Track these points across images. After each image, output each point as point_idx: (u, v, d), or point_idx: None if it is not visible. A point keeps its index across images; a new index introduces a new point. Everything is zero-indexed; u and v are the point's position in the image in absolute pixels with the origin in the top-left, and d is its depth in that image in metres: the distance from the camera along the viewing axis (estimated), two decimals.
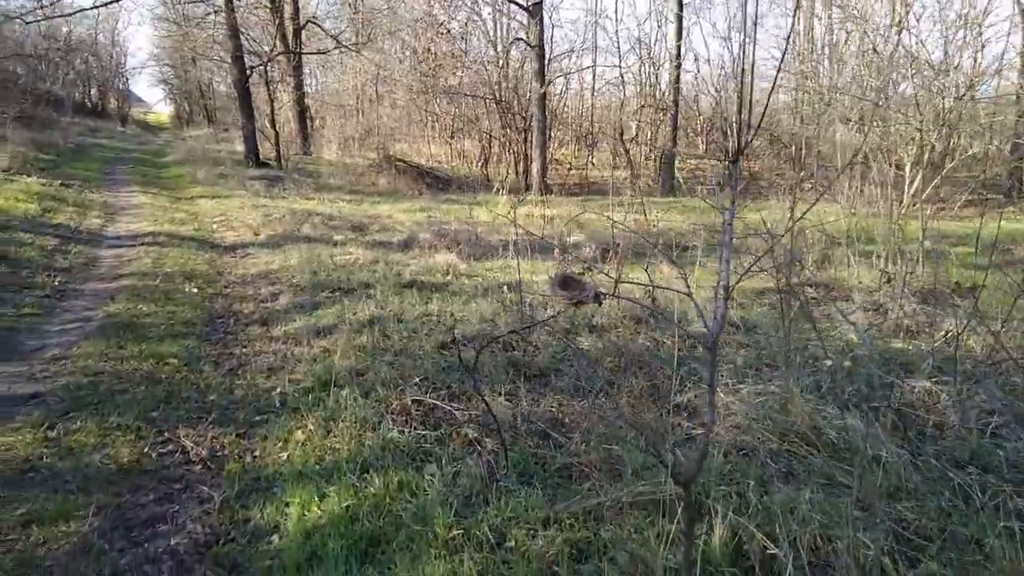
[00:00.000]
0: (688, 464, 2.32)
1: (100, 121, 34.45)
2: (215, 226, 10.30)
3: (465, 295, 6.27)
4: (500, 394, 3.92)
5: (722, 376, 4.25)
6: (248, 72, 18.43)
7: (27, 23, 16.81)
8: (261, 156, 18.61)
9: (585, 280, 2.04)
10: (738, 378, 4.18)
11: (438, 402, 3.75)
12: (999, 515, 2.87)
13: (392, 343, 4.81)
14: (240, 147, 19.48)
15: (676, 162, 18.71)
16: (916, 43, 12.27)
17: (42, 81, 29.73)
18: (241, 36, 18.90)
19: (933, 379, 4.36)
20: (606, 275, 2.63)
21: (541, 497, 2.87)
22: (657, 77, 22.16)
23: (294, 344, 4.85)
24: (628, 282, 2.61)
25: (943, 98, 13.04)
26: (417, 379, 4.04)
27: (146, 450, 3.33)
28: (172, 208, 11.72)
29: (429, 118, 23.04)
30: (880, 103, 10.32)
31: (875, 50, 11.63)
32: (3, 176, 11.73)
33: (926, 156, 12.27)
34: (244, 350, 4.78)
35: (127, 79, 46.86)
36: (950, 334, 4.94)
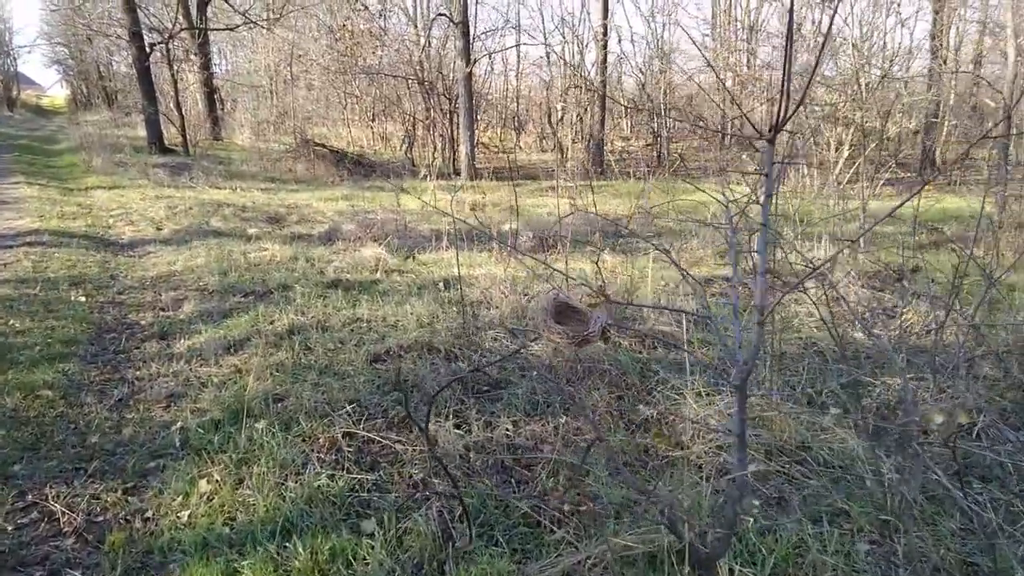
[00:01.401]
0: (714, 543, 1.84)
1: None
2: (111, 221, 9.24)
3: (398, 294, 5.66)
4: (446, 417, 3.36)
5: (692, 383, 3.83)
6: (148, 50, 16.93)
7: None
8: (166, 142, 17.20)
9: (586, 309, 1.52)
10: (712, 385, 3.76)
11: (373, 434, 3.17)
12: (1017, 540, 2.54)
13: (316, 358, 4.16)
14: (142, 132, 17.95)
15: (605, 145, 18.43)
16: (841, 23, 12.29)
17: None
18: (139, 10, 17.35)
19: (910, 376, 4.08)
20: (600, 295, 2.10)
21: (508, 558, 2.35)
22: (583, 57, 21.80)
23: (199, 363, 4.14)
24: (626, 303, 2.11)
25: (864, 78, 13.16)
26: (348, 405, 3.43)
27: (0, 522, 2.61)
28: (62, 201, 10.49)
29: (348, 100, 21.95)
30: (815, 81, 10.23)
31: (798, 29, 11.56)
32: None
33: (849, 136, 12.36)
34: (138, 373, 4.03)
35: (15, 59, 43.15)
36: (929, 326, 4.69)
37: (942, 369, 4.15)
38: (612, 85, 20.11)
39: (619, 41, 24.36)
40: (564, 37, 21.91)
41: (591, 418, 2.82)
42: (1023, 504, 2.72)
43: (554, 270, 2.12)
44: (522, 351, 3.82)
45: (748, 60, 20.07)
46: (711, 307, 5.60)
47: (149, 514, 2.69)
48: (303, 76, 21.94)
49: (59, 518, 2.64)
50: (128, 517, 2.67)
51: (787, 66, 1.92)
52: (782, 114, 1.93)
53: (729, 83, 16.79)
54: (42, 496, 2.76)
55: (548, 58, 20.47)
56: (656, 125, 18.74)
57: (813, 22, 14.25)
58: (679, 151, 17.61)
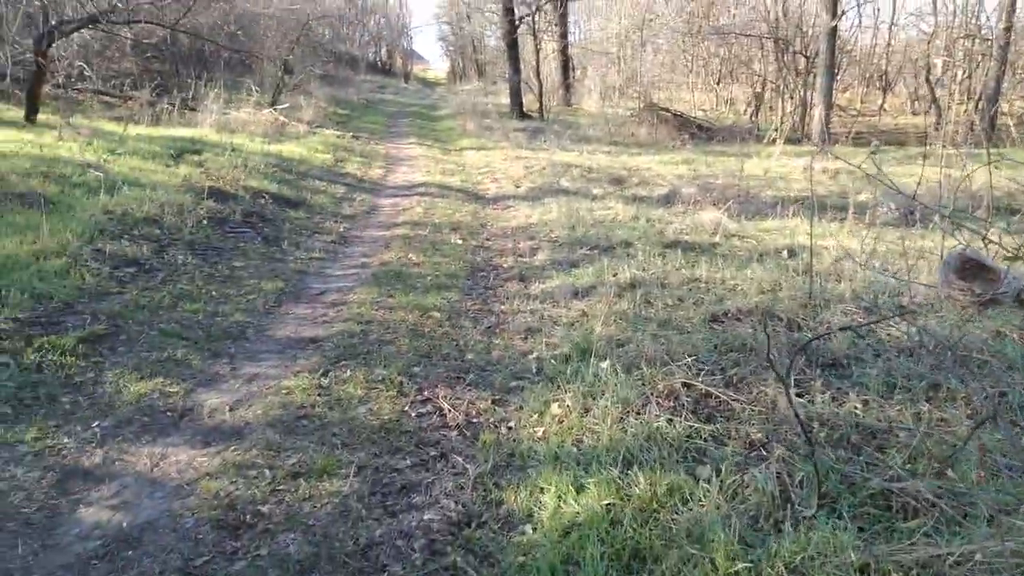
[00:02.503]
0: None
1: (387, 78, 38.07)
2: (479, 177, 10.57)
3: (737, 259, 5.56)
4: (789, 387, 3.26)
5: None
6: (516, 23, 18.71)
7: None
8: (524, 108, 18.94)
9: (999, 268, 1.37)
10: None
11: (712, 389, 3.22)
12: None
13: (655, 312, 4.34)
14: (505, 100, 20.02)
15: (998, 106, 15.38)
16: None
17: (341, 42, 33.43)
18: None
19: None
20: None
21: (853, 533, 2.24)
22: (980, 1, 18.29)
23: (551, 305, 4.61)
24: None
25: None
26: (687, 358, 3.53)
27: (406, 408, 3.28)
28: (443, 159, 12.31)
29: (695, 63, 21.64)
30: None
31: None
32: (308, 128, 13.22)
33: None
34: (502, 307, 4.65)
35: (411, 38, 51.05)
36: None
37: None
38: (1019, 34, 16.60)
39: None
40: None
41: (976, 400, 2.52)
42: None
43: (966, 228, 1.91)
44: (883, 321, 3.50)
45: None
46: None
47: (511, 424, 3.14)
48: (651, 40, 22.18)
49: (446, 414, 3.23)
50: (496, 423, 3.15)
51: None
52: None
53: None
54: (435, 395, 3.40)
55: (935, 3, 17.61)
56: None
57: None
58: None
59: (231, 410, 3.22)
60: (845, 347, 3.77)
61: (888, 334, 3.97)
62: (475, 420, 3.20)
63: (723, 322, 4.23)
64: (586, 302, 4.61)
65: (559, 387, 3.39)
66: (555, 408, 3.21)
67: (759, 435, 2.87)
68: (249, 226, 6.39)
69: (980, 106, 14.48)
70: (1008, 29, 14.14)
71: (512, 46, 18.67)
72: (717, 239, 6.34)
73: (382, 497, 2.62)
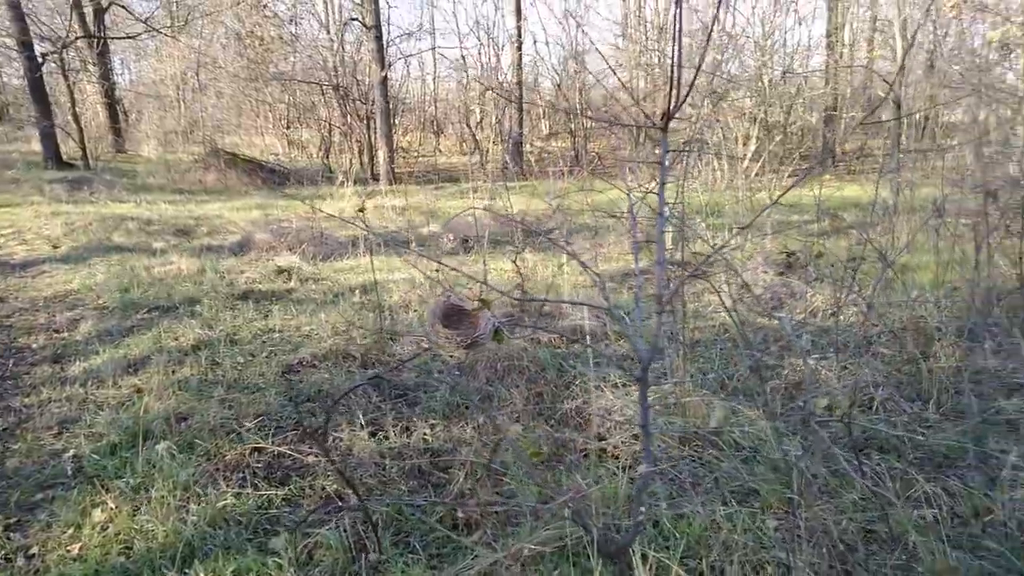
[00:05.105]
0: (620, 535, 1.84)
1: None
2: (1, 241, 8.64)
3: (312, 303, 5.50)
4: (361, 426, 3.28)
5: (608, 376, 3.87)
6: (41, 60, 15.96)
7: None
8: (64, 156, 16.24)
9: (475, 309, 1.49)
10: (627, 376, 3.81)
11: (284, 448, 3.05)
12: (912, 504, 2.67)
13: (224, 373, 3.99)
14: (39, 147, 16.90)
15: (524, 145, 18.54)
16: (743, 22, 12.78)
17: None
18: (29, 19, 16.32)
19: (814, 356, 4.24)
20: (503, 294, 2.08)
21: (424, 565, 2.30)
22: (499, 59, 21.85)
23: (96, 386, 3.90)
24: (537, 299, 2.09)
25: (767, 75, 13.68)
26: (255, 419, 3.29)
27: None
28: None
29: (261, 108, 21.29)
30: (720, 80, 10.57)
31: (702, 32, 11.90)
32: None
33: (755, 131, 12.82)
34: (26, 400, 3.76)
35: None
36: (832, 308, 4.90)
37: (843, 348, 4.35)
38: (528, 87, 20.26)
39: (534, 43, 24.61)
40: (480, 39, 21.87)
41: (493, 417, 2.81)
42: (918, 472, 2.85)
43: (452, 269, 2.08)
44: (421, 354, 3.75)
45: (659, 59, 20.59)
46: (628, 300, 5.69)
47: (34, 551, 2.50)
48: (212, 84, 21.15)
49: None
50: (9, 556, 2.47)
51: (676, 52, 1.95)
52: (673, 102, 1.95)
53: (641, 83, 17.19)
54: None
55: (464, 61, 20.44)
56: (573, 125, 18.98)
57: (718, 20, 14.72)
58: (596, 150, 17.88)
59: None
60: (415, 376, 3.97)
61: (451, 355, 4.31)
62: None
63: (299, 371, 4.11)
64: (141, 375, 4.02)
65: (103, 487, 2.84)
66: (97, 514, 2.67)
67: (335, 486, 2.80)
68: None
69: (508, 147, 17.19)
70: (520, 83, 17.12)
71: (37, 86, 15.85)
72: (292, 284, 6.21)
73: None
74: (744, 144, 12.14)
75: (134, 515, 2.62)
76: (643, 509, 1.82)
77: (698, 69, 2.16)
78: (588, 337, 3.24)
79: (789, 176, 11.95)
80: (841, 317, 4.80)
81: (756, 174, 10.56)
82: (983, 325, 4.24)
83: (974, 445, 3.12)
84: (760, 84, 13.78)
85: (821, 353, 4.25)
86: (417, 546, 2.42)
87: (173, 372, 3.97)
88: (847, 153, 15.32)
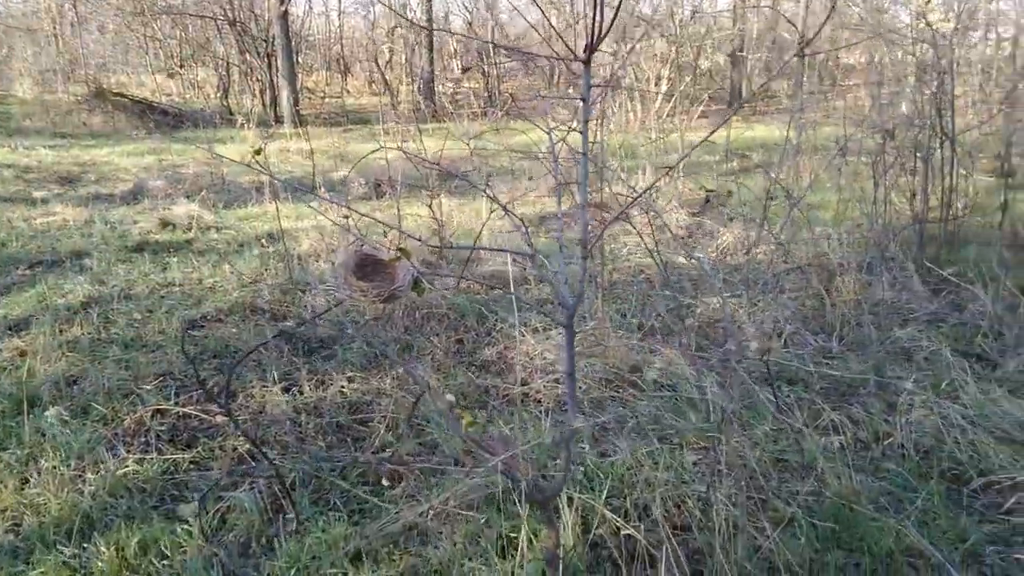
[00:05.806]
0: (549, 483, 1.80)
1: None
2: None
3: (215, 254, 5.19)
4: (274, 381, 3.12)
5: (529, 321, 3.84)
6: None
7: None
8: None
9: (392, 259, 1.37)
10: (547, 321, 3.79)
11: (191, 408, 2.87)
12: (820, 432, 2.79)
13: (119, 331, 3.71)
14: None
15: (436, 86, 18.02)
16: None
17: None
18: None
19: (726, 294, 4.35)
20: (421, 241, 1.95)
21: (347, 522, 2.22)
22: None
23: None
24: (461, 247, 1.99)
25: (678, 15, 13.70)
26: (156, 379, 3.08)
27: None
28: None
29: (151, 44, 19.67)
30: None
31: None
32: None
33: (667, 72, 12.89)
34: None
35: None
36: (744, 247, 5.01)
37: (753, 285, 4.47)
38: (439, 24, 19.58)
39: None
40: None
41: (411, 369, 2.72)
42: (824, 401, 2.98)
43: (364, 215, 1.94)
44: (333, 308, 3.60)
45: None
46: (548, 244, 5.66)
47: None
48: (92, 18, 19.33)
49: None
50: None
51: None
52: (597, 34, 1.85)
53: (555, 21, 16.89)
54: None
55: None
56: (486, 65, 18.53)
57: None
58: (510, 91, 17.59)
59: None
60: (329, 329, 3.82)
61: (368, 308, 4.16)
62: None
63: (203, 327, 3.87)
64: (24, 337, 3.68)
65: None
66: None
67: (248, 446, 2.66)
68: None
69: (419, 87, 16.67)
70: (430, 21, 16.50)
71: None
72: (192, 235, 5.83)
73: None
74: (656, 84, 12.18)
75: (22, 488, 2.41)
76: (578, 450, 1.79)
77: (618, 6, 2.06)
78: (511, 283, 3.18)
79: (699, 117, 12.14)
80: (750, 254, 4.92)
81: (668, 115, 10.64)
82: (880, 260, 4.45)
83: (874, 374, 3.29)
84: (671, 24, 13.80)
85: (732, 291, 4.37)
86: (338, 503, 2.33)
87: (61, 332, 3.66)
88: (755, 94, 15.68)
